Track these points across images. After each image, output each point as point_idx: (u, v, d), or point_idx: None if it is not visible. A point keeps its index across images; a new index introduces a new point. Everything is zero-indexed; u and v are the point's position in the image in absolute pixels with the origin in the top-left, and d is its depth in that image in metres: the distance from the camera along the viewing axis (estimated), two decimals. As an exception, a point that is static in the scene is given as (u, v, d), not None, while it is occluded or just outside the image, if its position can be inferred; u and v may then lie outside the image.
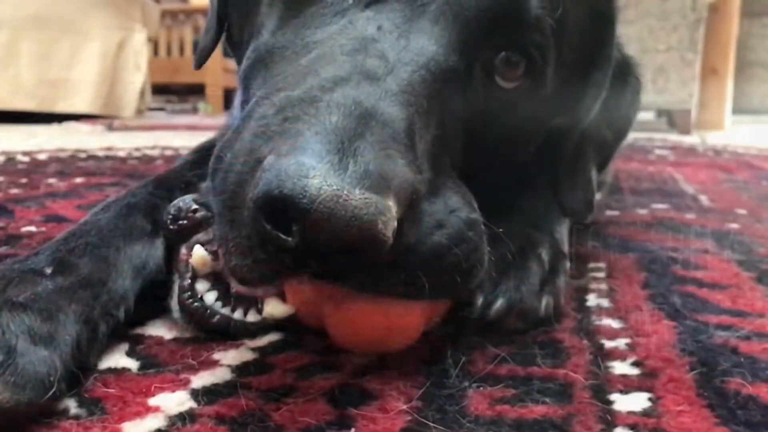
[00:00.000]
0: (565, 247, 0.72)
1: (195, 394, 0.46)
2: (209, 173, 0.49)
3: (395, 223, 0.43)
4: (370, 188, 0.41)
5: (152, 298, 0.61)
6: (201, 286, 0.55)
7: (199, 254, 0.55)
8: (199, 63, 0.82)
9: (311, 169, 0.40)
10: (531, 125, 0.67)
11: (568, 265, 0.67)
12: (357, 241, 0.41)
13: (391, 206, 0.42)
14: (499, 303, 0.58)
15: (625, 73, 0.79)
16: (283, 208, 0.40)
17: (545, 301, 0.60)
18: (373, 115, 0.46)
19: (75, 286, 0.53)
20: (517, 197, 0.75)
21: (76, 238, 0.60)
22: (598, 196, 0.79)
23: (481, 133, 0.61)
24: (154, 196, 0.69)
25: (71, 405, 0.44)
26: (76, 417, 0.43)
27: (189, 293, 0.55)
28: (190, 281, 0.55)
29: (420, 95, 0.52)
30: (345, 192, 0.40)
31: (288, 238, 0.41)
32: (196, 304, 0.55)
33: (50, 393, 0.43)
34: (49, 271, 0.54)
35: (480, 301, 0.58)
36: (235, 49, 0.73)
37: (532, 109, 0.64)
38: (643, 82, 0.82)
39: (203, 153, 0.85)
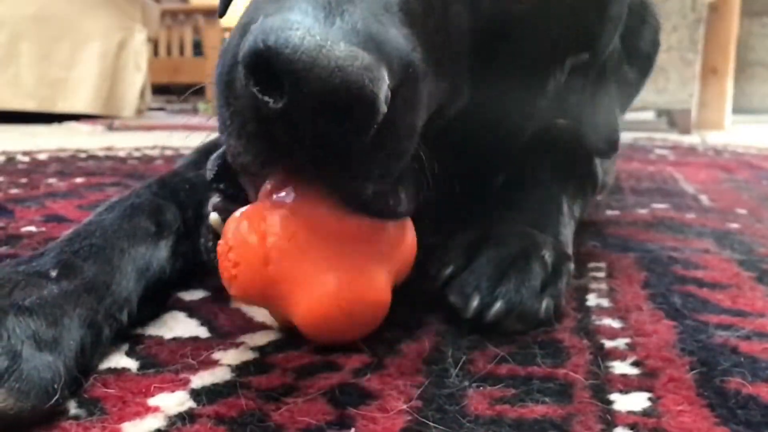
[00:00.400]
0: (569, 249, 0.72)
1: (195, 393, 0.46)
2: (216, 69, 0.49)
3: (386, 87, 0.41)
4: (357, 45, 0.40)
5: (154, 300, 0.61)
6: None
7: (214, 218, 0.57)
8: (222, 11, 0.81)
9: (295, 23, 0.40)
10: (547, 49, 0.66)
11: (572, 267, 0.67)
12: (342, 94, 0.40)
13: (381, 66, 0.41)
14: (498, 305, 0.57)
15: (643, 14, 0.78)
16: (268, 65, 0.40)
17: (545, 304, 0.59)
18: None
19: (80, 289, 0.53)
20: (521, 198, 0.74)
21: (80, 239, 0.60)
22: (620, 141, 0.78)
23: (492, 50, 0.59)
24: (157, 196, 0.69)
25: (71, 405, 0.44)
26: (76, 417, 0.43)
27: (213, 254, 0.55)
28: (212, 242, 0.57)
29: None
30: (329, 43, 0.39)
31: (274, 99, 0.41)
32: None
33: (54, 399, 0.43)
34: (54, 273, 0.54)
35: (475, 302, 0.57)
36: None
37: (548, 25, 0.63)
38: (661, 23, 0.80)
39: (205, 153, 0.85)
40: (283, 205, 0.51)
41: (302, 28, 0.40)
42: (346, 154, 0.45)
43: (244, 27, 0.46)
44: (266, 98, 0.41)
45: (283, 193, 0.51)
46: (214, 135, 0.94)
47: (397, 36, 0.45)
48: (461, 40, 0.57)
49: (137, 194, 0.69)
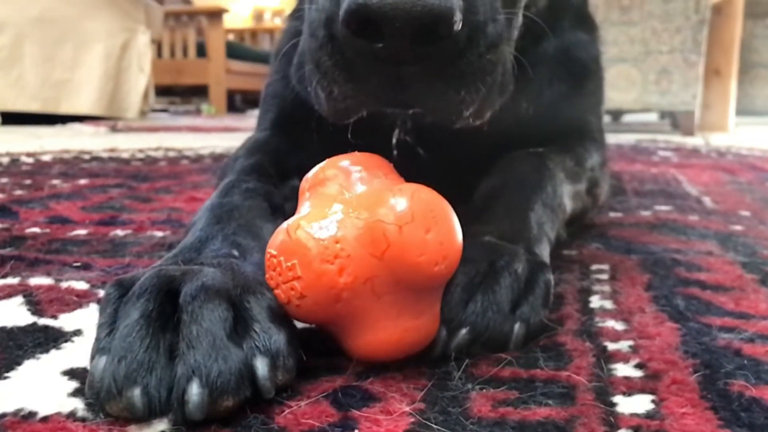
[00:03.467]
0: (546, 259, 0.67)
1: (199, 395, 0.46)
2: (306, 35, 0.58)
3: (456, 2, 0.50)
4: None
5: None
6: None
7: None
8: None
9: None
10: None
11: (549, 276, 0.61)
12: (427, 17, 0.49)
13: None
14: (462, 334, 0.52)
15: None
16: (365, 20, 0.49)
17: (517, 328, 0.54)
18: None
19: (261, 264, 0.55)
20: (487, 210, 0.73)
21: (226, 220, 0.64)
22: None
23: None
24: (260, 183, 0.75)
25: (78, 407, 0.44)
26: (83, 419, 0.43)
27: None
28: None
29: None
30: None
31: (380, 46, 0.51)
32: None
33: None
34: (236, 252, 0.58)
35: (443, 333, 0.52)
36: None
37: None
38: None
39: (260, 155, 0.87)
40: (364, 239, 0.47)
41: None
42: (445, 68, 0.54)
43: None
44: (374, 43, 0.51)
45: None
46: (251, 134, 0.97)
47: None
48: None
49: (244, 180, 0.75)
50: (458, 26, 0.51)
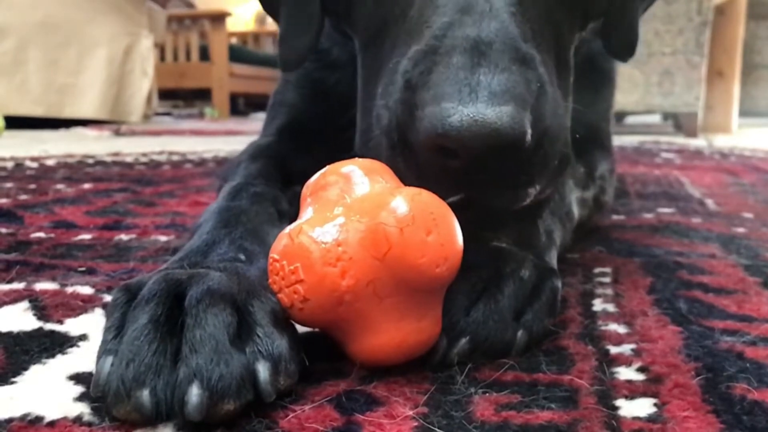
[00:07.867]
0: (554, 264, 0.67)
1: (204, 400, 0.47)
2: (378, 118, 0.60)
3: (528, 120, 0.52)
4: (498, 104, 0.51)
5: None
6: None
7: None
8: (299, 63, 0.83)
9: (451, 109, 0.51)
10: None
11: (558, 282, 0.60)
12: (502, 146, 0.51)
13: (519, 109, 0.52)
14: (462, 343, 0.52)
15: None
16: (443, 144, 0.52)
17: (519, 337, 0.54)
18: (481, 42, 0.55)
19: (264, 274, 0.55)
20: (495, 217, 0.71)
21: (233, 224, 0.65)
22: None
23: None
24: (268, 187, 0.76)
25: (85, 412, 0.45)
26: (89, 424, 0.43)
27: None
28: None
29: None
30: (479, 116, 0.50)
31: (455, 161, 0.53)
32: None
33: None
34: (242, 257, 0.59)
35: (443, 341, 0.52)
36: (341, 27, 0.80)
37: None
38: None
39: (264, 160, 0.87)
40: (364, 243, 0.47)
41: (457, 113, 0.50)
42: (514, 172, 0.56)
43: (406, 103, 0.56)
44: (448, 161, 0.53)
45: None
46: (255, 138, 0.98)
47: (520, 72, 0.54)
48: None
49: (252, 183, 0.76)
50: (528, 142, 0.52)
